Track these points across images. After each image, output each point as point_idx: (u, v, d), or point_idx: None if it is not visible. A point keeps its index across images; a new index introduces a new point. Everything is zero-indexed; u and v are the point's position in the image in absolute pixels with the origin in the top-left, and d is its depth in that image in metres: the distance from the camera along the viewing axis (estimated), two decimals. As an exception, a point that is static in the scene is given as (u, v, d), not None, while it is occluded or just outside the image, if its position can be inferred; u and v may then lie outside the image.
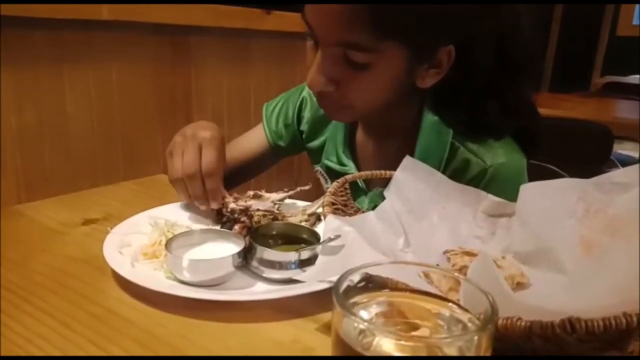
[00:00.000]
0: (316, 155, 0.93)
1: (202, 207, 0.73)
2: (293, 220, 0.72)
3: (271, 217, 0.71)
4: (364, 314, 0.35)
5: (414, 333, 0.34)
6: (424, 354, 0.30)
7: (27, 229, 0.76)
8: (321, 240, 0.61)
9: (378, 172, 0.71)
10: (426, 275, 0.42)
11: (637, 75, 2.82)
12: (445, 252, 0.61)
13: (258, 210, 0.71)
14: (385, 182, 0.68)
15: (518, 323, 0.38)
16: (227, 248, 0.63)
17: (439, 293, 0.38)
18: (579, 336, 0.37)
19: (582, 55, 3.34)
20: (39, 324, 0.51)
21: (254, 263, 0.60)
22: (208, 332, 0.51)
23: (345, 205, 0.70)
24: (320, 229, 0.67)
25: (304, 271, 0.58)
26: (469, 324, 0.33)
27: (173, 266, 0.59)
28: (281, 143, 0.99)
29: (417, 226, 0.64)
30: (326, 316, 0.53)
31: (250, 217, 0.69)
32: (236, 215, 0.70)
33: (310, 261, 0.60)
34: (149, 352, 0.48)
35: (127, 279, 0.57)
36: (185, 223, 0.72)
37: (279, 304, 0.55)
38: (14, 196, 0.97)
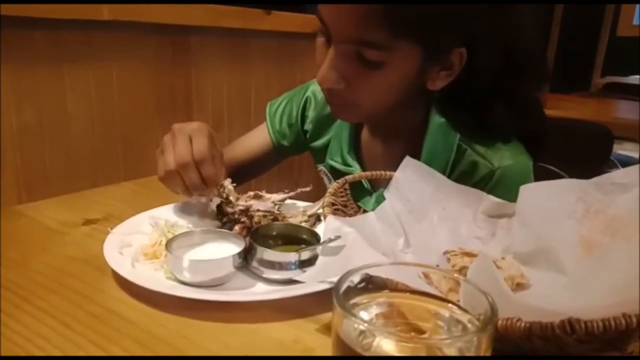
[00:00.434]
0: (320, 154, 0.93)
1: (203, 199, 0.71)
2: (293, 220, 0.72)
3: (271, 217, 0.71)
4: (364, 314, 0.35)
5: (414, 334, 0.34)
6: (424, 354, 0.30)
7: (27, 229, 0.76)
8: (321, 240, 0.61)
9: (378, 172, 0.71)
10: (426, 276, 0.42)
11: (638, 75, 2.82)
12: (445, 253, 0.61)
13: (258, 210, 0.71)
14: None
15: (518, 324, 0.38)
16: (227, 248, 0.63)
17: (438, 294, 0.38)
18: (578, 337, 0.37)
19: (582, 55, 3.34)
20: (39, 324, 0.51)
21: (254, 263, 0.60)
22: (208, 333, 0.51)
23: (345, 206, 0.70)
24: (320, 229, 0.67)
25: (304, 272, 0.59)
26: (469, 325, 0.33)
27: (173, 266, 0.59)
28: (284, 142, 0.98)
29: (417, 227, 0.64)
30: (326, 317, 0.53)
31: (251, 217, 0.69)
32: (236, 216, 0.70)
33: (310, 262, 0.60)
34: (149, 352, 0.48)
35: (128, 279, 0.57)
36: (185, 223, 0.72)
37: (279, 304, 0.55)
38: (14, 196, 0.97)
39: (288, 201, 0.78)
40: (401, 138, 0.81)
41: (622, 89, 2.76)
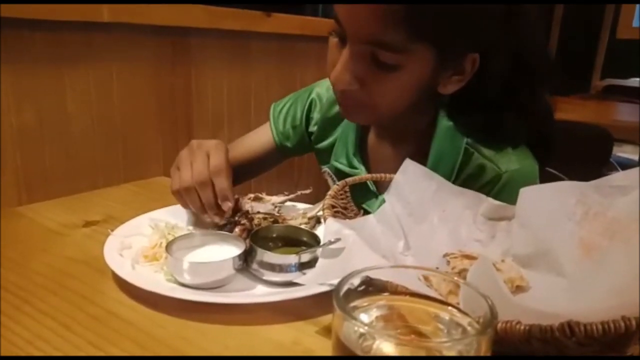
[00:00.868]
0: (324, 156, 0.93)
1: (216, 220, 0.71)
2: (293, 223, 0.72)
3: (271, 219, 0.71)
4: (364, 317, 0.35)
5: (413, 337, 0.34)
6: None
7: (27, 230, 0.76)
8: (321, 243, 0.61)
9: (378, 175, 0.71)
10: (426, 279, 0.42)
11: (637, 78, 2.82)
12: (445, 255, 0.61)
13: (258, 213, 0.71)
14: None
15: (517, 326, 0.38)
16: (227, 251, 0.63)
17: (438, 296, 0.38)
18: (578, 340, 0.37)
19: (582, 57, 3.35)
20: (38, 325, 0.51)
21: (254, 266, 0.60)
22: (208, 334, 0.51)
23: (346, 209, 0.70)
24: (320, 231, 0.67)
25: (304, 274, 0.59)
26: (469, 328, 0.33)
27: (173, 268, 0.59)
28: (288, 144, 0.99)
29: (417, 229, 0.65)
30: (326, 319, 0.53)
31: (251, 219, 0.69)
32: (236, 218, 0.70)
33: (310, 264, 0.60)
34: (149, 354, 0.48)
35: (128, 281, 0.57)
36: (185, 225, 0.73)
37: (279, 306, 0.55)
38: (14, 197, 0.97)
39: (288, 203, 0.78)
40: (408, 141, 0.81)
41: (622, 92, 2.76)
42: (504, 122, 0.74)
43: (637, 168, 0.53)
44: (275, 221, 0.71)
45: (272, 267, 0.59)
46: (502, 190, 0.73)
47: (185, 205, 0.73)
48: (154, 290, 0.55)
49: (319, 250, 0.60)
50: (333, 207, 0.65)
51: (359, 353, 0.31)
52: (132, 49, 1.12)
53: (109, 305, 0.55)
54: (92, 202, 0.89)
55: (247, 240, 0.63)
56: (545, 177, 0.72)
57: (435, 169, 0.74)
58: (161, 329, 0.52)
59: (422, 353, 0.30)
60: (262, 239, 0.64)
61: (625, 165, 1.93)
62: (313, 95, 0.96)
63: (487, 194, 0.69)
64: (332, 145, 0.91)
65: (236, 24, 1.32)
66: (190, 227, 0.72)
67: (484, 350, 0.30)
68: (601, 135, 1.72)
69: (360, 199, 0.78)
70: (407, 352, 0.30)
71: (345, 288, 0.34)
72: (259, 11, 1.36)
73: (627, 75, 2.93)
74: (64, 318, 0.53)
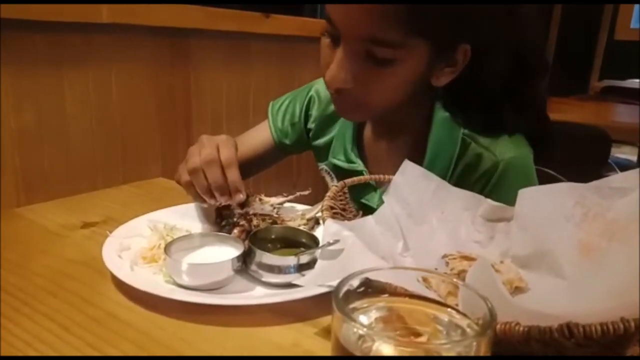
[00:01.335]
0: (322, 153, 0.93)
1: (222, 200, 0.70)
2: (292, 224, 0.72)
3: (270, 221, 0.71)
4: (363, 319, 0.35)
5: (413, 338, 0.34)
6: (423, 359, 0.30)
7: (26, 232, 0.76)
8: (320, 244, 0.61)
9: (377, 176, 0.71)
10: (425, 280, 0.42)
11: (636, 79, 2.83)
12: (444, 257, 0.61)
13: (257, 214, 0.71)
14: None
15: (516, 328, 0.38)
16: (226, 252, 0.63)
17: (437, 298, 0.38)
18: (577, 341, 0.37)
19: (580, 58, 3.35)
20: (37, 327, 0.51)
21: (253, 267, 0.60)
22: (207, 336, 0.51)
23: (344, 210, 0.70)
24: (319, 233, 0.67)
25: (303, 275, 0.59)
26: (468, 330, 0.33)
27: (172, 270, 0.59)
28: (286, 141, 0.99)
29: (416, 230, 0.65)
30: (325, 320, 0.53)
31: (250, 221, 0.69)
32: (235, 219, 0.70)
33: (309, 265, 0.60)
34: (148, 355, 0.48)
35: (126, 283, 0.57)
36: (184, 227, 0.72)
37: (278, 308, 0.55)
38: (13, 198, 0.97)
39: (287, 204, 0.78)
40: (405, 135, 0.82)
41: (620, 93, 2.77)
42: (502, 116, 0.75)
43: (637, 170, 0.53)
44: (274, 222, 0.71)
45: (271, 269, 0.59)
46: (500, 178, 0.74)
47: (192, 193, 0.72)
48: (152, 292, 0.55)
49: (317, 252, 0.60)
50: (332, 208, 0.65)
51: (359, 354, 0.31)
52: (131, 50, 1.12)
53: (108, 307, 0.55)
54: (91, 203, 0.88)
55: (246, 242, 0.63)
56: (544, 179, 0.72)
57: (433, 160, 0.74)
58: (160, 331, 0.52)
59: (422, 355, 0.30)
60: (260, 241, 0.64)
61: (624, 166, 1.94)
62: (312, 92, 0.96)
63: (486, 183, 0.70)
64: (329, 143, 0.91)
65: (235, 25, 1.32)
66: (189, 229, 0.72)
67: (483, 352, 0.30)
68: (599, 136, 1.72)
69: (359, 193, 0.78)
70: (406, 354, 0.30)
71: (344, 289, 0.34)
72: (258, 12, 1.36)
73: (625, 77, 2.94)
74: (63, 319, 0.53)
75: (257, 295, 0.59)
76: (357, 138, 0.87)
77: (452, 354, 0.30)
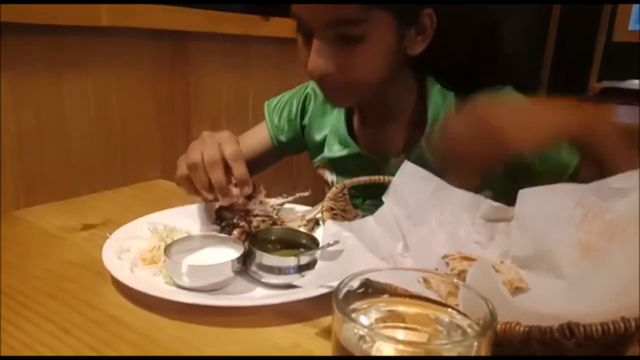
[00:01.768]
0: (316, 151, 0.95)
1: (224, 202, 0.69)
2: (292, 225, 0.72)
3: (270, 222, 0.71)
4: (363, 319, 0.35)
5: (413, 339, 0.34)
6: (423, 359, 0.30)
7: (26, 234, 0.76)
8: (320, 245, 0.61)
9: (377, 177, 0.71)
10: (425, 281, 0.42)
11: (634, 80, 2.83)
12: (444, 257, 0.61)
13: (257, 215, 0.71)
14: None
15: (517, 328, 0.38)
16: (226, 253, 0.63)
17: (438, 298, 0.38)
18: (577, 341, 0.37)
19: (579, 59, 3.36)
20: (37, 329, 0.51)
21: (253, 268, 0.60)
22: (207, 337, 0.51)
23: (344, 211, 0.70)
24: (319, 234, 0.67)
25: (303, 276, 0.59)
26: (469, 330, 0.33)
27: (172, 271, 0.59)
28: (282, 138, 1.00)
29: (416, 231, 0.65)
30: (326, 321, 0.53)
31: (250, 222, 0.69)
32: (235, 220, 0.70)
33: (309, 266, 0.60)
34: (148, 357, 0.48)
35: (126, 284, 0.57)
36: (184, 228, 0.72)
37: (278, 309, 0.55)
38: (13, 200, 0.97)
39: (287, 206, 0.78)
40: (400, 115, 0.84)
41: (619, 94, 2.77)
42: (481, 75, 0.80)
43: (636, 170, 0.53)
44: (274, 223, 0.71)
45: (271, 270, 0.59)
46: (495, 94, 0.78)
47: (191, 190, 0.71)
48: (152, 293, 0.55)
49: (317, 253, 0.60)
50: (332, 209, 0.65)
51: (359, 355, 0.31)
52: (130, 53, 1.13)
53: (108, 309, 0.55)
54: (91, 206, 0.88)
55: (246, 243, 0.63)
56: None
57: (432, 126, 0.79)
58: (160, 332, 0.51)
59: (422, 355, 0.30)
60: (260, 242, 0.64)
61: (623, 167, 1.93)
62: (309, 90, 0.99)
63: None
64: (323, 141, 0.93)
65: (234, 28, 1.32)
66: (189, 230, 0.72)
67: (483, 352, 0.30)
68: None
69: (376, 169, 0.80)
70: (406, 354, 0.30)
71: (344, 290, 0.34)
72: (257, 15, 1.36)
73: (624, 78, 2.94)
74: (63, 321, 0.53)
75: (257, 296, 0.59)
76: (350, 130, 0.89)
77: (453, 354, 0.30)
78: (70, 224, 0.78)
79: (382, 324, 0.36)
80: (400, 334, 0.34)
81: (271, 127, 1.00)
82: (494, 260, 0.60)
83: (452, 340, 0.34)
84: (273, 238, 0.67)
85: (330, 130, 0.92)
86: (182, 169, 0.72)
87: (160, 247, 0.65)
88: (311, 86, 0.98)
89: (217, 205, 0.72)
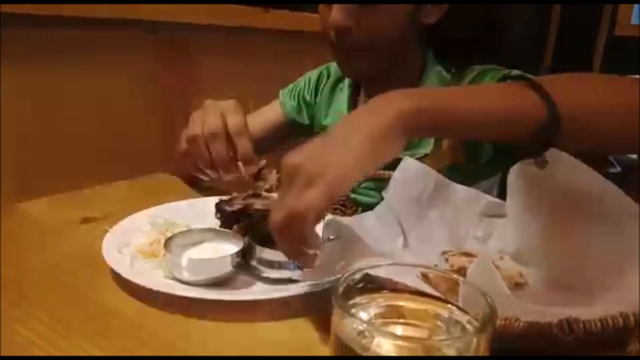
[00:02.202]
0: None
1: (226, 178, 0.65)
2: (292, 219, 0.72)
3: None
4: (363, 314, 0.35)
5: (413, 334, 0.34)
6: (422, 355, 0.30)
7: (26, 227, 0.76)
8: (320, 240, 0.61)
9: (378, 172, 0.71)
10: (425, 276, 0.42)
11: (636, 75, 2.82)
12: (443, 253, 0.61)
13: (257, 209, 0.71)
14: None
15: (516, 323, 0.38)
16: (226, 247, 0.63)
17: (437, 294, 0.38)
18: (576, 336, 0.37)
19: (580, 54, 3.35)
20: (37, 322, 0.51)
21: (253, 263, 0.60)
22: (206, 331, 0.51)
23: (344, 206, 0.70)
24: (319, 229, 0.66)
25: (303, 271, 0.59)
26: (468, 326, 0.33)
27: (172, 265, 0.59)
28: (295, 116, 1.04)
29: (416, 226, 0.65)
30: (325, 316, 0.53)
31: (250, 216, 0.69)
32: (235, 214, 0.69)
33: (309, 261, 0.60)
34: (147, 351, 0.48)
35: (126, 278, 0.57)
36: (184, 222, 0.72)
37: (278, 303, 0.55)
38: (12, 194, 0.97)
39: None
40: None
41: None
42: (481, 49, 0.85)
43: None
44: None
45: (271, 264, 0.59)
46: (486, 71, 0.81)
47: (191, 167, 0.66)
48: (152, 287, 0.55)
49: (317, 248, 0.60)
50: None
51: (358, 350, 0.31)
52: (130, 46, 1.12)
53: (107, 302, 0.55)
54: (91, 199, 0.88)
55: (246, 237, 0.63)
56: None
57: None
58: (159, 326, 0.52)
59: (421, 351, 0.30)
60: (261, 236, 0.64)
61: (624, 162, 1.93)
62: (323, 69, 1.03)
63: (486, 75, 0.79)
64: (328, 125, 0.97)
65: (235, 20, 1.31)
66: (189, 224, 0.72)
67: (483, 348, 0.30)
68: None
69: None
70: (406, 350, 0.30)
71: (344, 285, 0.34)
72: (258, 7, 1.35)
73: (625, 72, 2.93)
74: (62, 315, 0.53)
75: (257, 290, 0.59)
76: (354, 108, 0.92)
77: (452, 349, 0.30)
78: (70, 218, 0.78)
79: (381, 320, 0.36)
80: (400, 330, 0.34)
81: (284, 104, 1.04)
82: (493, 256, 0.60)
83: (451, 336, 0.34)
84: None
85: (336, 112, 0.95)
86: (182, 143, 0.68)
87: (160, 241, 0.65)
88: (326, 66, 1.02)
89: (217, 199, 0.72)
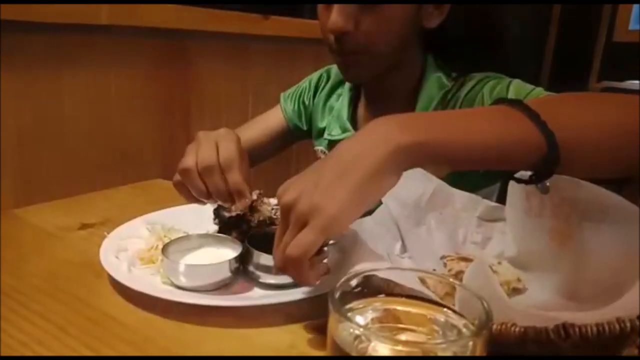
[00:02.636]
0: (318, 136, 0.99)
1: (227, 205, 0.66)
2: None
3: (268, 221, 0.71)
4: (359, 319, 0.35)
5: (409, 338, 0.34)
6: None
7: (24, 233, 0.76)
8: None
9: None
10: (422, 281, 0.42)
11: (635, 80, 2.83)
12: (442, 258, 0.61)
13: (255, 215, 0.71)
14: None
15: (512, 328, 0.38)
16: (224, 253, 0.63)
17: (435, 298, 0.38)
18: (573, 342, 0.37)
19: (579, 60, 3.36)
20: (34, 328, 0.51)
21: (251, 268, 0.60)
22: (204, 337, 0.51)
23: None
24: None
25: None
26: (464, 330, 0.33)
27: (169, 271, 0.59)
28: (295, 118, 1.04)
29: (414, 231, 0.65)
30: (323, 321, 0.53)
31: (248, 222, 0.69)
32: (233, 220, 0.69)
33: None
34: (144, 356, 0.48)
35: (124, 284, 0.57)
36: (182, 228, 0.72)
37: (275, 309, 0.55)
38: (11, 199, 0.97)
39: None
40: (398, 102, 0.86)
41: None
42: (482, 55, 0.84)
43: None
44: (272, 223, 0.71)
45: (269, 270, 0.59)
46: (488, 81, 0.79)
47: (188, 196, 0.67)
48: (150, 293, 0.55)
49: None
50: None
51: (355, 355, 0.31)
52: (130, 52, 1.12)
53: (105, 308, 0.55)
54: (89, 205, 0.89)
55: (244, 243, 0.63)
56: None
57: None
58: (157, 331, 0.51)
59: (418, 354, 0.30)
60: (258, 242, 0.64)
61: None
62: (323, 72, 1.03)
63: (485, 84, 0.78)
64: (325, 128, 0.97)
65: (234, 26, 1.32)
66: (187, 230, 0.72)
67: (479, 352, 0.30)
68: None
69: None
70: (402, 354, 0.30)
71: (341, 290, 0.34)
72: (257, 14, 1.36)
73: (624, 78, 2.94)
74: (60, 320, 0.53)
75: (255, 296, 0.59)
76: (353, 117, 0.92)
77: (448, 353, 0.30)
78: (68, 223, 0.79)
79: (378, 324, 0.36)
80: (396, 334, 0.34)
81: (285, 108, 1.04)
82: (491, 260, 0.60)
83: (447, 339, 0.34)
84: (271, 238, 0.67)
85: (334, 114, 0.94)
86: (177, 175, 0.67)
87: (158, 246, 0.65)
88: (327, 69, 1.02)
89: (215, 204, 0.72)
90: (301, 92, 1.04)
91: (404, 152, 0.46)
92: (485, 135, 0.47)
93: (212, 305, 0.54)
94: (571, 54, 3.29)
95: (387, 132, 0.47)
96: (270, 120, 1.05)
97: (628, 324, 0.36)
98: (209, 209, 0.74)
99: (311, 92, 1.02)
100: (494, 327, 0.38)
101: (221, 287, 0.59)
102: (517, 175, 0.54)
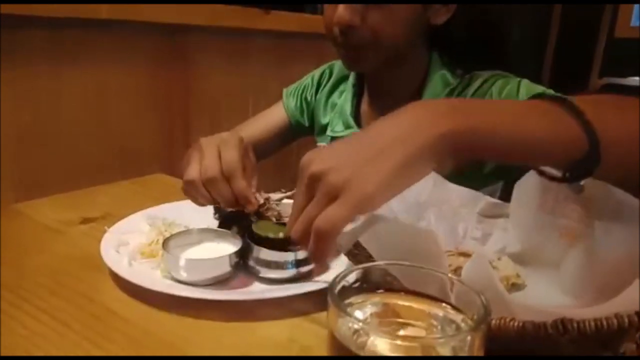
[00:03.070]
0: (321, 132, 0.99)
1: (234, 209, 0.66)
2: (290, 220, 0.72)
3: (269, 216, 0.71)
4: (358, 314, 0.35)
5: (408, 333, 0.34)
6: (417, 354, 0.30)
7: (25, 228, 0.76)
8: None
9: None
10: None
11: (636, 77, 2.82)
12: (441, 253, 0.61)
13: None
14: None
15: (511, 323, 0.38)
16: (224, 248, 0.63)
17: (433, 293, 0.38)
18: (571, 337, 0.37)
19: (580, 56, 3.35)
20: (36, 323, 0.51)
21: (251, 263, 0.61)
22: (205, 331, 0.51)
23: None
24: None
25: (301, 272, 0.59)
26: (462, 324, 0.34)
27: (170, 265, 0.59)
28: (298, 114, 1.03)
29: (414, 227, 0.65)
30: (322, 315, 0.53)
31: (248, 216, 0.69)
32: (234, 215, 0.70)
33: (307, 261, 0.60)
34: (146, 351, 0.48)
35: (125, 278, 0.57)
36: (182, 222, 0.72)
37: (275, 303, 0.55)
38: (12, 194, 0.97)
39: (286, 201, 0.78)
40: (401, 99, 0.85)
41: (620, 90, 2.76)
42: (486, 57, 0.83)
43: None
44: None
45: (269, 264, 0.59)
46: (496, 78, 0.79)
47: (196, 202, 0.68)
48: (150, 287, 0.55)
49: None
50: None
51: (354, 349, 0.31)
52: (130, 48, 1.12)
53: (106, 302, 0.56)
54: (90, 199, 0.89)
55: (244, 237, 0.63)
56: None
57: None
58: (158, 326, 0.52)
59: (416, 350, 0.30)
60: (259, 236, 0.64)
61: None
62: (326, 67, 1.03)
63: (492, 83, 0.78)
64: (327, 124, 0.96)
65: (235, 21, 1.31)
66: (187, 224, 0.72)
67: (477, 347, 0.30)
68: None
69: None
70: (401, 349, 0.31)
71: (340, 285, 0.34)
72: (258, 9, 1.36)
73: (625, 74, 2.93)
74: (61, 315, 0.53)
75: (255, 290, 0.59)
76: (356, 113, 0.91)
77: (446, 348, 0.30)
78: (69, 218, 0.79)
79: (377, 319, 0.36)
80: (395, 329, 0.35)
81: (287, 104, 1.04)
82: (491, 256, 0.60)
83: (445, 334, 0.34)
84: (271, 233, 0.67)
85: (337, 110, 0.94)
86: (184, 179, 0.67)
87: (158, 241, 0.65)
88: (330, 64, 1.02)
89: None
90: (304, 89, 1.03)
91: (445, 141, 0.43)
92: (528, 129, 0.45)
93: (212, 300, 0.55)
94: (572, 50, 3.28)
95: (427, 118, 0.44)
96: (273, 117, 1.05)
97: (626, 320, 0.36)
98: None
99: (313, 89, 1.02)
100: (493, 321, 0.38)
101: (221, 281, 0.59)
102: (545, 169, 0.52)
